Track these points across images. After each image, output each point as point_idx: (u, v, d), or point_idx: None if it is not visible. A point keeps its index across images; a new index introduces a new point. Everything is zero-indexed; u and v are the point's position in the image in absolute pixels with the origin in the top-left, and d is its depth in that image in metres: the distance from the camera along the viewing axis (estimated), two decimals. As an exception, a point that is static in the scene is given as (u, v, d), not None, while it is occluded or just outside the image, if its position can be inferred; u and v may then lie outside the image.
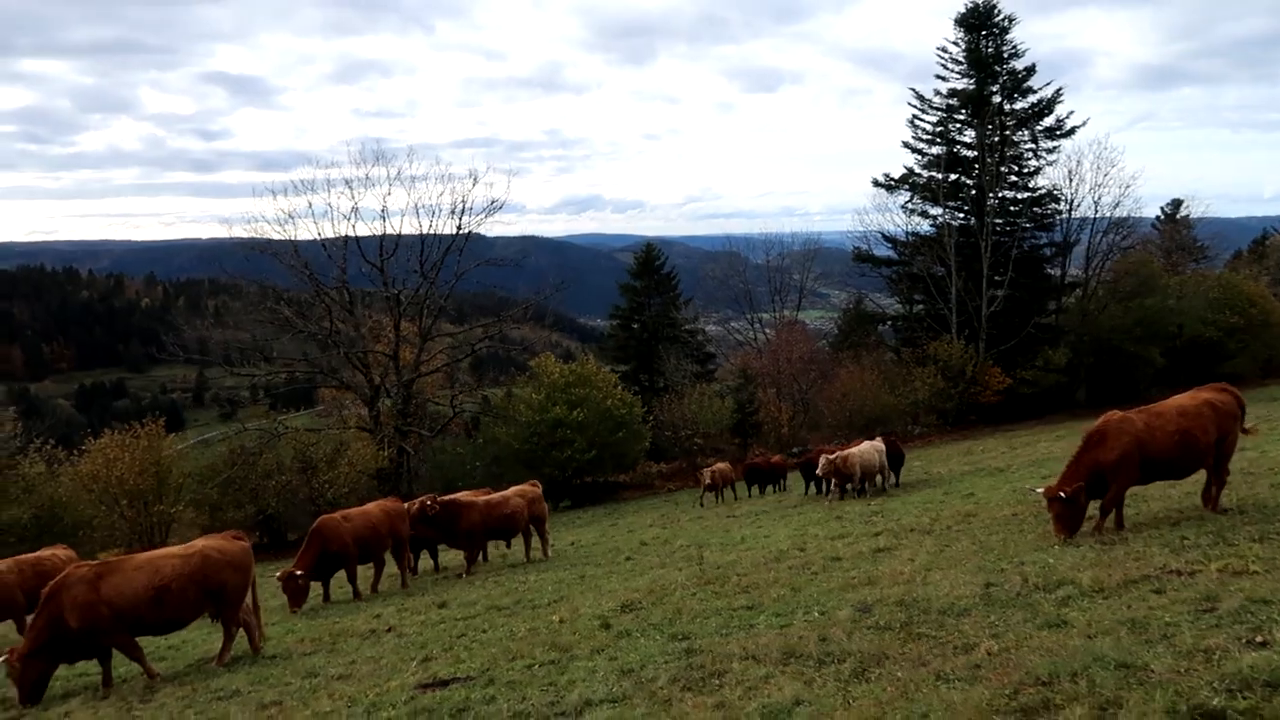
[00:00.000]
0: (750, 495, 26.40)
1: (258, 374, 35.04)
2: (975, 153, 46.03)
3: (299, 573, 12.73)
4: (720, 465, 27.60)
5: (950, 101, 46.56)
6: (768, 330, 51.13)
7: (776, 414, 38.36)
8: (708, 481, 25.59)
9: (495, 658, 7.97)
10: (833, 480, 18.96)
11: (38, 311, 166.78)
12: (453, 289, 34.96)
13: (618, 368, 44.30)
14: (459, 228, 33.45)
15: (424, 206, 35.27)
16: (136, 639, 9.47)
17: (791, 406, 40.09)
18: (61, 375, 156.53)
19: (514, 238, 35.59)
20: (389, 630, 10.48)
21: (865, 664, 5.91)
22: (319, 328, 32.16)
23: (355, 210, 33.12)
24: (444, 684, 7.26)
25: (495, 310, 44.31)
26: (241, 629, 10.17)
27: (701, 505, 25.07)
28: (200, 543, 10.29)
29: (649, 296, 50.58)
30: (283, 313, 32.41)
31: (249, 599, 10.33)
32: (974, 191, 46.01)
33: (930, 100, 47.01)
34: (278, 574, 13.01)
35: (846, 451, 18.96)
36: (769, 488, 26.68)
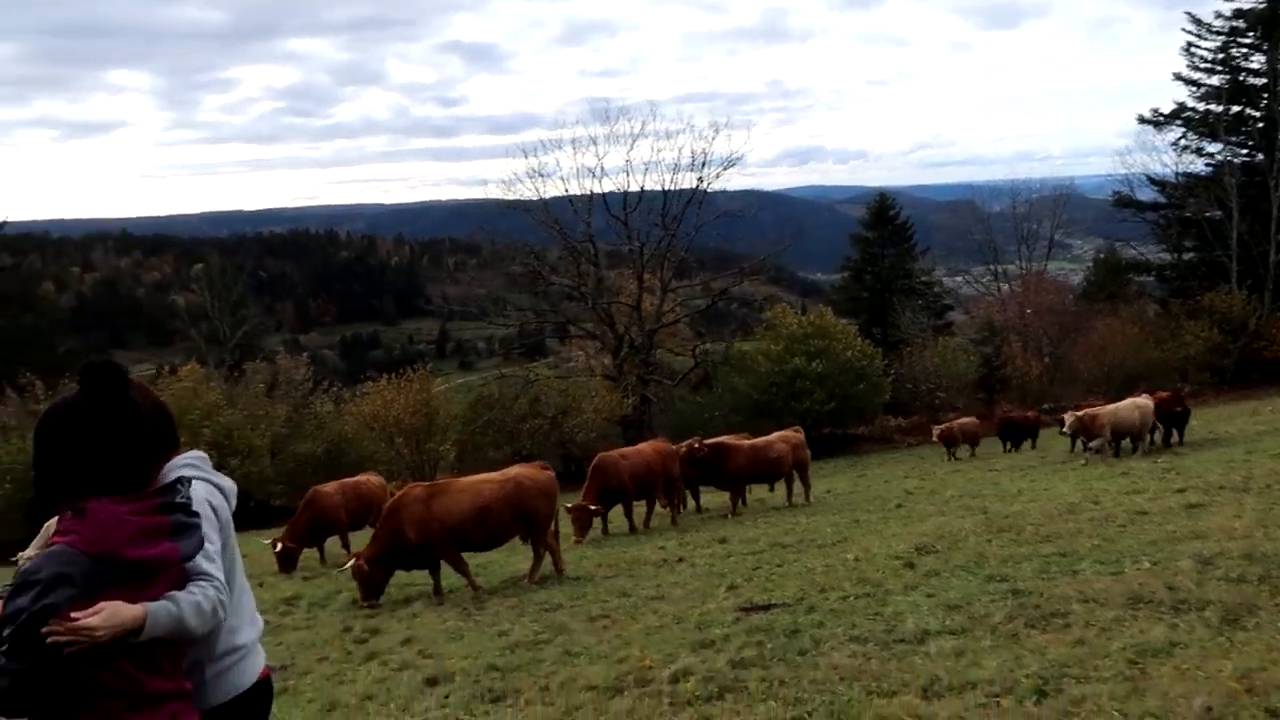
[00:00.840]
0: (1004, 450, 25.35)
1: (510, 325, 37.18)
2: (1264, 80, 41.02)
3: (592, 506, 13.59)
4: (963, 420, 26.72)
5: (1235, 23, 41.66)
6: (1011, 282, 48.38)
7: (1025, 368, 36.42)
8: (935, 437, 24.97)
9: (804, 589, 8.21)
10: (1081, 438, 17.91)
11: (305, 270, 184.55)
12: (693, 241, 35.64)
13: (848, 321, 43.54)
14: (700, 179, 34.02)
15: (664, 162, 36.02)
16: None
17: (1040, 361, 37.92)
18: (325, 328, 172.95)
19: (735, 191, 35.83)
20: (680, 561, 11.00)
21: (1234, 613, 5.62)
22: (567, 280, 33.80)
23: (600, 167, 34.36)
24: (764, 608, 7.58)
25: (716, 266, 44.72)
26: (547, 552, 11.03)
27: (954, 458, 24.43)
28: (514, 470, 11.24)
29: (882, 247, 49.19)
30: (533, 265, 34.23)
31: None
32: (1261, 124, 41.09)
33: (1209, 24, 42.30)
34: (568, 505, 13.94)
35: (1096, 410, 17.89)
36: (1025, 443, 25.52)
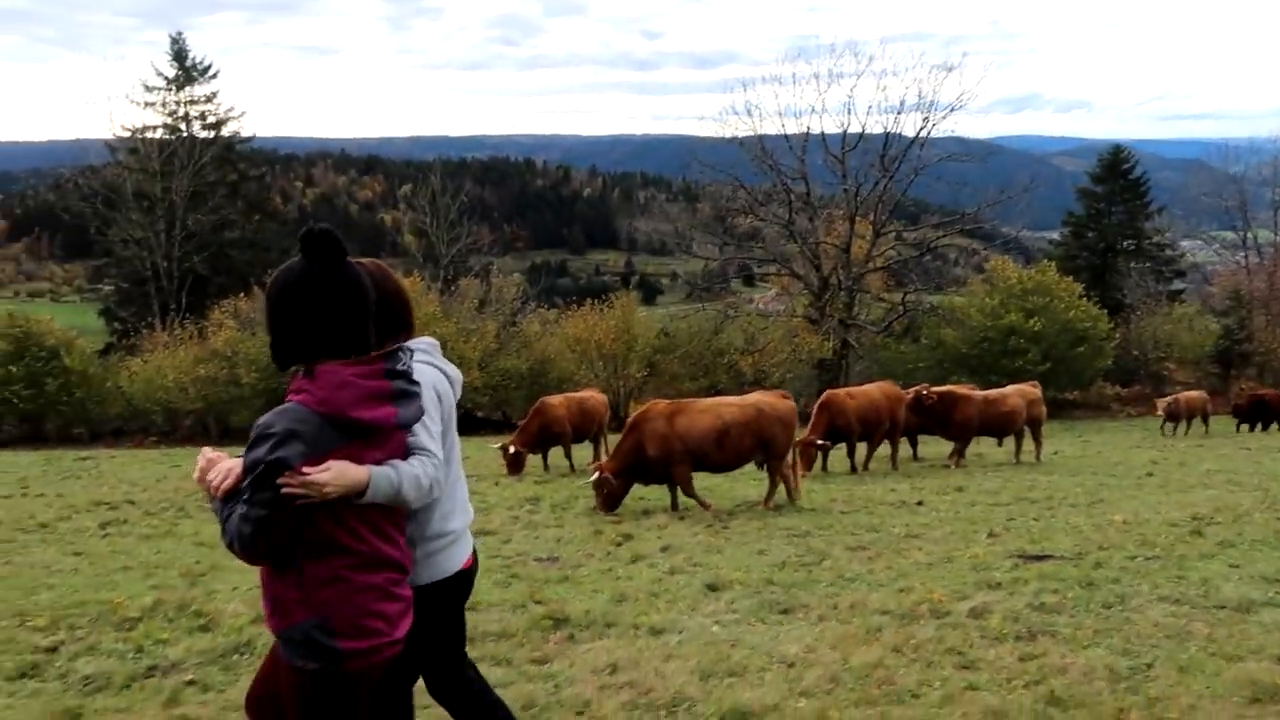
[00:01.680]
0: (1245, 430, 23.25)
1: (714, 259, 37.02)
2: None
3: (819, 441, 13.45)
4: (1189, 394, 24.65)
5: None
6: (1262, 250, 43.79)
7: (1271, 344, 33.09)
8: (1160, 412, 23.11)
9: (1079, 545, 7.78)
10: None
11: (502, 196, 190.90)
12: (909, 185, 34.20)
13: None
14: (926, 119, 32.50)
15: (884, 103, 34.66)
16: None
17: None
18: (518, 253, 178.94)
19: (939, 139, 33.82)
20: (920, 504, 10.71)
21: None
22: (776, 218, 33.29)
23: (822, 102, 33.38)
24: (1039, 558, 7.24)
25: (914, 217, 42.76)
26: (781, 481, 10.99)
27: (1170, 434, 22.68)
28: (755, 396, 11.21)
29: (1109, 204, 45.54)
30: (740, 202, 33.86)
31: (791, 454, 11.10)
32: None
33: None
34: (798, 439, 13.84)
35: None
36: (1272, 425, 23.29)
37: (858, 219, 33.80)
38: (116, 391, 32.02)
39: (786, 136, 33.94)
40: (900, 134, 33.23)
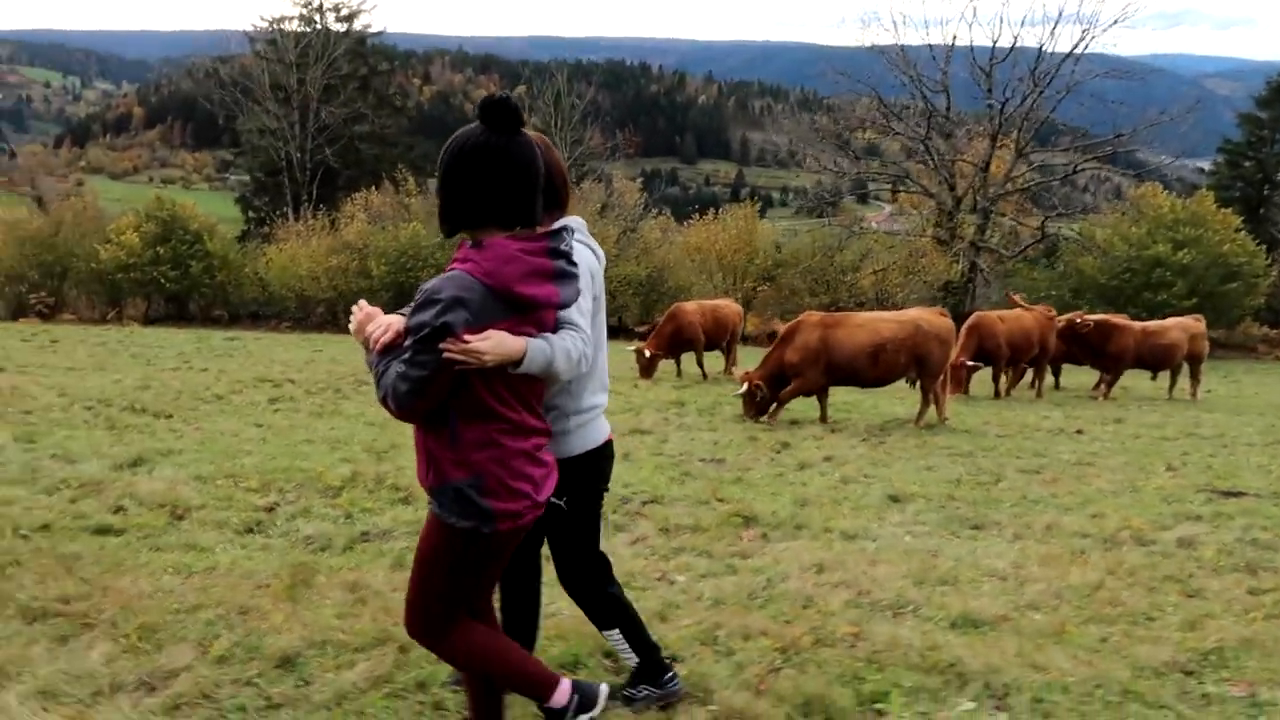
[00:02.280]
0: None
1: (841, 174, 35.82)
2: None
3: (969, 362, 13.10)
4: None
5: None
6: None
7: None
8: None
9: (1272, 484, 7.42)
10: None
11: (616, 101, 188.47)
12: (1059, 104, 32.21)
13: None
14: (1084, 32, 30.37)
15: (1040, 17, 32.44)
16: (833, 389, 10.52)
17: None
18: (629, 160, 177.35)
19: (1091, 54, 31.37)
20: (1079, 433, 10.37)
21: None
22: (912, 132, 31.95)
23: (973, 9, 31.48)
24: (1234, 494, 6.93)
25: (1048, 137, 40.32)
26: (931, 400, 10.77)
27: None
28: (913, 313, 10.95)
29: (1275, 131, 42.11)
30: (873, 115, 32.58)
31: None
32: None
33: None
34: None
35: None
36: None
37: (1000, 138, 32.13)
38: (254, 277, 33.43)
39: (930, 47, 32.30)
40: (1053, 52, 31.11)
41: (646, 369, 15.12)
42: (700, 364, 15.82)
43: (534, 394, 2.60)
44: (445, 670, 3.26)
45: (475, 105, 2.47)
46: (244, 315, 33.46)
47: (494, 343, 2.36)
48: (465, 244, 2.48)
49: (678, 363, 15.92)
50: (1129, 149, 36.39)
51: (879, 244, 31.44)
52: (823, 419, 10.58)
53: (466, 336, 2.32)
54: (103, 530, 5.07)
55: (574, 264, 2.58)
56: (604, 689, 2.82)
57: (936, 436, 9.71)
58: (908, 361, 10.49)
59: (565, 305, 2.56)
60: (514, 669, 2.70)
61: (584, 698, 2.75)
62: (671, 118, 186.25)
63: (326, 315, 32.04)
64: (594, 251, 2.96)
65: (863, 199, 51.21)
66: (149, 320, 31.77)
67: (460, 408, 2.44)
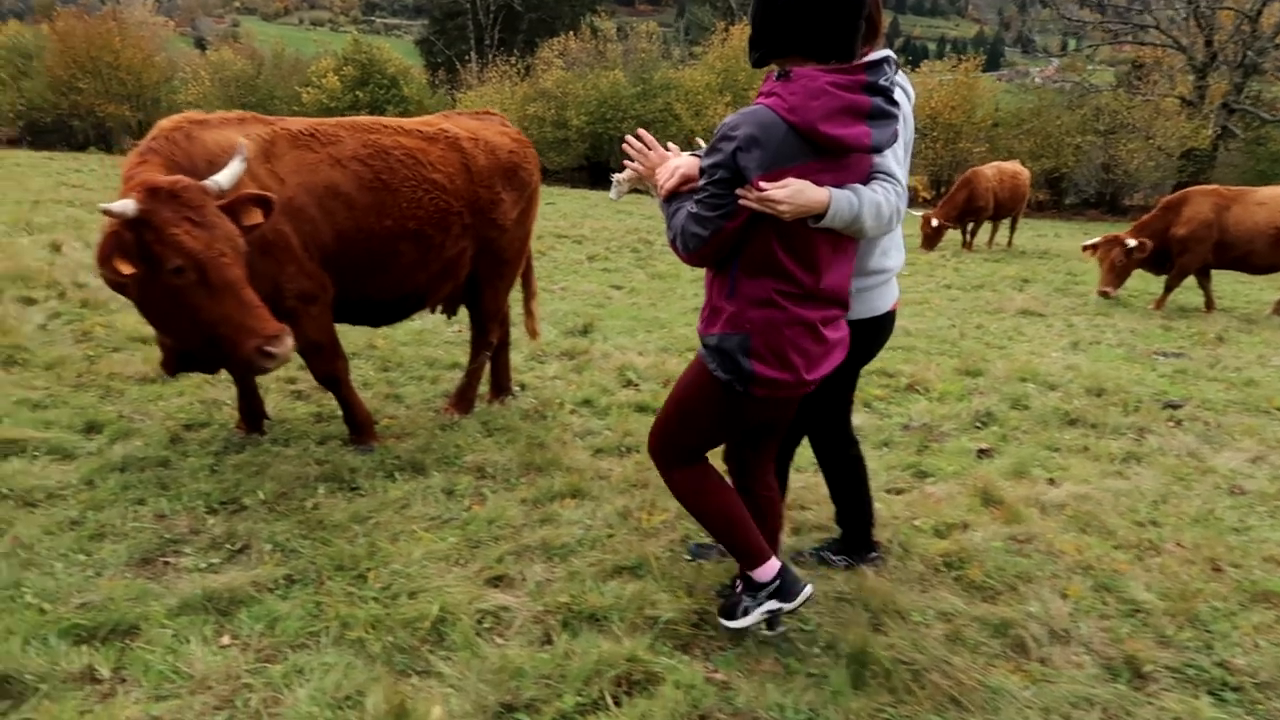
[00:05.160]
0: None
1: (1085, 24, 32.32)
2: None
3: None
4: None
5: None
6: None
7: None
8: None
9: None
10: None
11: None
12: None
13: None
14: None
15: None
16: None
17: None
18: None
19: None
20: None
21: None
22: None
23: None
24: None
25: None
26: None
27: None
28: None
29: None
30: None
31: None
32: None
33: None
34: None
35: None
36: None
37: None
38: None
39: None
40: None
41: (931, 239, 14.18)
42: (979, 232, 14.72)
43: (838, 256, 2.32)
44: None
45: None
46: (438, 163, 33.61)
47: (792, 192, 2.12)
48: (771, 76, 2.19)
49: (964, 233, 14.85)
50: None
51: (1118, 102, 28.61)
52: (1208, 305, 9.58)
53: (762, 184, 2.12)
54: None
55: (894, 103, 2.22)
56: (808, 590, 2.60)
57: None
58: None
59: (878, 149, 2.22)
60: (734, 528, 2.54)
61: (785, 586, 2.57)
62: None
63: (523, 165, 31.77)
64: (905, 91, 2.59)
65: (1025, 50, 47.03)
66: (347, 164, 32.30)
67: (746, 258, 2.26)
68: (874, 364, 6.13)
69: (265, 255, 3.44)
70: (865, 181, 2.28)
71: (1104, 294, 9.60)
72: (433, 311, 4.62)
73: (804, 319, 2.28)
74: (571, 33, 33.28)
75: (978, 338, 7.42)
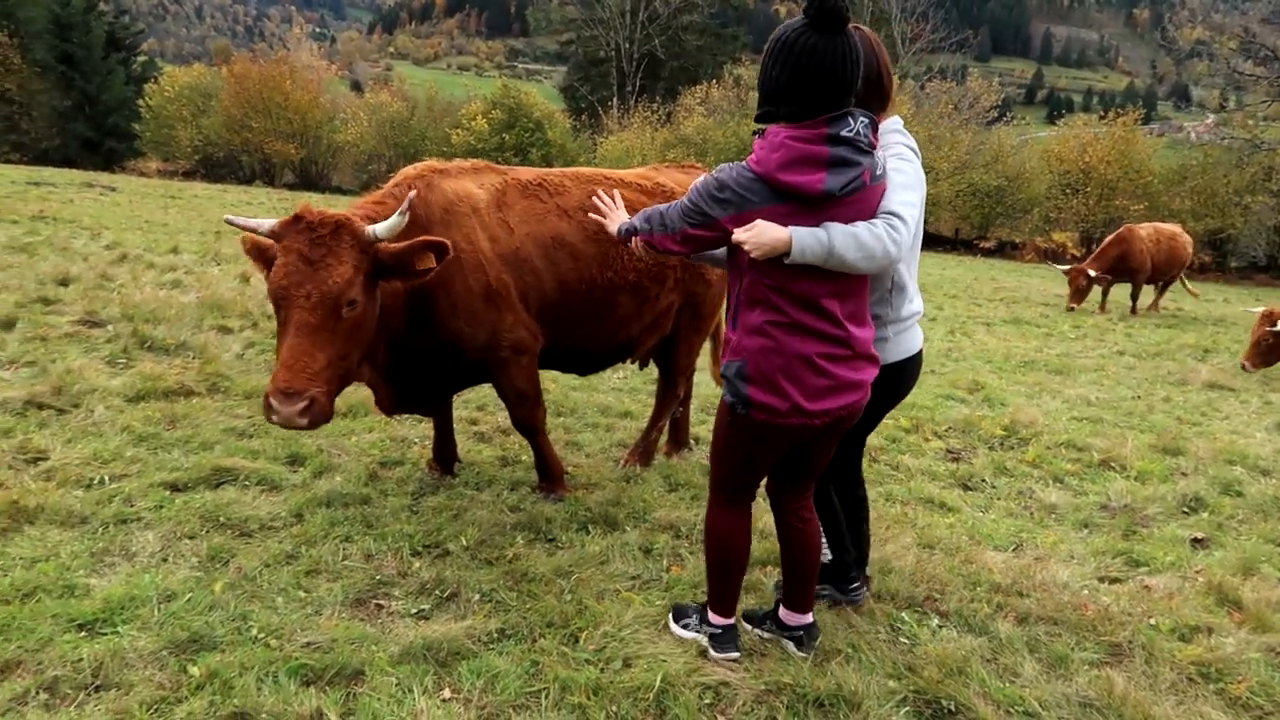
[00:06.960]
0: None
1: (1252, 77, 30.57)
2: None
3: None
4: None
5: None
6: None
7: None
8: None
9: None
10: None
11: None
12: None
13: None
14: None
15: None
16: None
17: None
18: (914, 55, 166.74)
19: None
20: None
21: None
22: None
23: None
24: None
25: None
26: None
27: None
28: None
29: None
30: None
31: None
32: None
33: None
34: None
35: None
36: None
37: None
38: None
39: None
40: None
41: (1079, 293, 13.58)
42: (1134, 296, 13.97)
43: (841, 297, 2.46)
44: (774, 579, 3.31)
45: None
46: (577, 205, 34.35)
47: (754, 233, 2.35)
48: (756, 136, 2.48)
49: (1104, 293, 14.12)
50: None
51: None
52: None
53: (731, 227, 2.41)
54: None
55: (864, 150, 2.38)
56: (736, 656, 2.81)
57: None
58: None
59: (831, 195, 2.34)
60: (728, 576, 2.81)
61: (723, 639, 2.83)
62: (966, 10, 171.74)
63: (660, 210, 32.13)
64: (912, 150, 2.76)
65: (1178, 105, 44.63)
66: (492, 204, 33.33)
67: (744, 291, 2.49)
68: (1060, 436, 5.90)
69: (488, 304, 3.49)
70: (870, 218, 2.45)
71: (1245, 367, 8.90)
72: (634, 363, 4.61)
73: (799, 351, 2.43)
74: (714, 80, 33.64)
75: (1167, 411, 6.95)
